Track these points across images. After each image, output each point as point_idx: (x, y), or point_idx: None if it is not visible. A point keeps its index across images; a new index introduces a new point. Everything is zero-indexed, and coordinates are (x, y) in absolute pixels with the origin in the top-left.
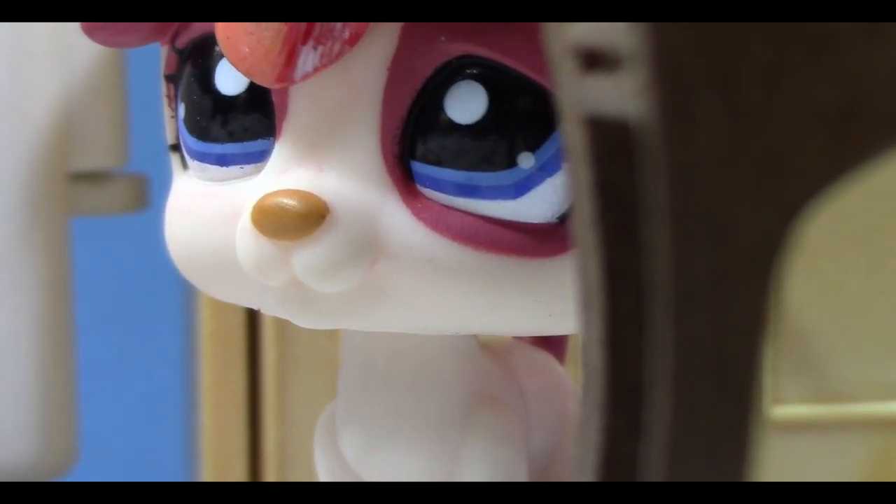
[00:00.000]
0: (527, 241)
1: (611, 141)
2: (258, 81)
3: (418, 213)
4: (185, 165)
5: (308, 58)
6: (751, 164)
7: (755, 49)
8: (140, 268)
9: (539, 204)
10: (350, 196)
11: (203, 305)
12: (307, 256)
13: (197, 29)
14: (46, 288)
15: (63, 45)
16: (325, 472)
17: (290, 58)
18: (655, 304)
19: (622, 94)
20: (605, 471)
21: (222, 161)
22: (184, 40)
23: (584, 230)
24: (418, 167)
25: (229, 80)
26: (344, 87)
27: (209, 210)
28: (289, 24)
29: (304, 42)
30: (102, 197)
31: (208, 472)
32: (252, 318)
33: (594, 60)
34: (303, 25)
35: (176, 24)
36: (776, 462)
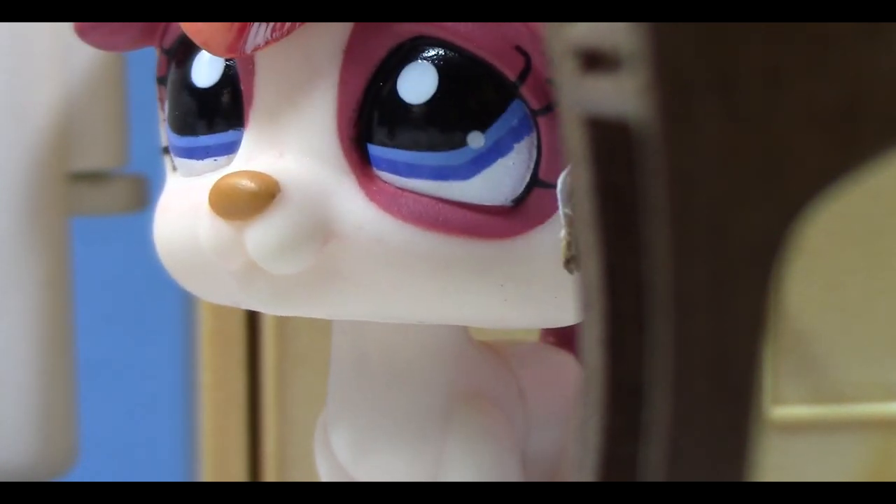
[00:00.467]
0: (479, 223)
1: (611, 141)
2: (211, 52)
3: (372, 195)
4: (174, 166)
5: (259, 31)
6: (751, 165)
7: (755, 49)
8: (140, 268)
9: (491, 185)
10: (304, 177)
11: (203, 305)
12: (258, 235)
13: (180, 27)
14: (46, 288)
15: (63, 45)
16: (323, 473)
17: (242, 29)
18: (655, 305)
19: (622, 95)
20: (605, 471)
21: (199, 154)
22: (169, 40)
23: (585, 230)
24: (374, 150)
25: (204, 72)
26: (302, 70)
27: (183, 203)
28: None
29: None
30: (102, 197)
31: (208, 472)
32: (252, 318)
33: (594, 60)
34: None
35: (163, 25)
36: (776, 462)
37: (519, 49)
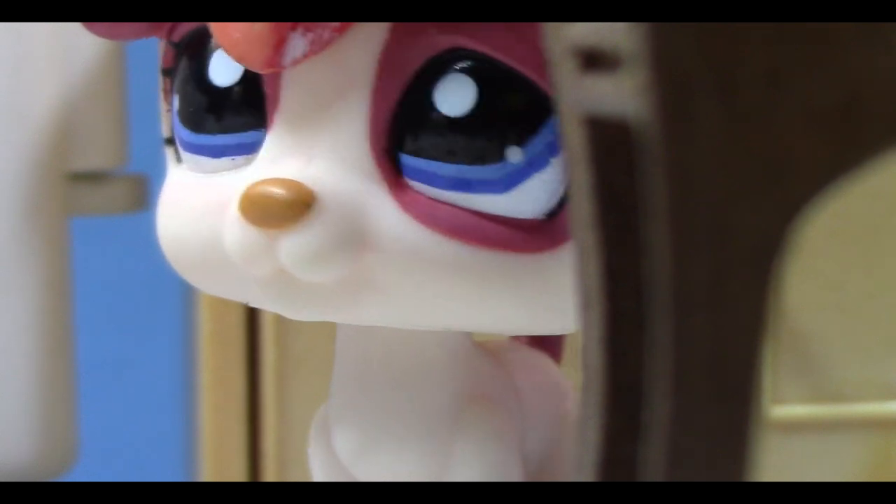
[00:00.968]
0: (514, 237)
1: (611, 141)
2: (248, 66)
3: (406, 206)
4: (178, 159)
5: (298, 44)
6: (750, 165)
7: (755, 49)
8: (140, 268)
9: (527, 199)
10: (337, 186)
11: (203, 306)
12: (293, 245)
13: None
14: (46, 288)
15: (63, 45)
16: (319, 471)
17: (280, 43)
18: (655, 305)
19: (622, 95)
20: (605, 471)
21: (214, 152)
22: (180, 33)
23: (584, 231)
24: (407, 160)
25: (222, 71)
26: (335, 78)
27: (198, 200)
28: None
29: (294, 28)
30: (102, 197)
31: (208, 472)
32: (252, 318)
33: (594, 60)
34: None
35: None
36: (776, 462)
37: None
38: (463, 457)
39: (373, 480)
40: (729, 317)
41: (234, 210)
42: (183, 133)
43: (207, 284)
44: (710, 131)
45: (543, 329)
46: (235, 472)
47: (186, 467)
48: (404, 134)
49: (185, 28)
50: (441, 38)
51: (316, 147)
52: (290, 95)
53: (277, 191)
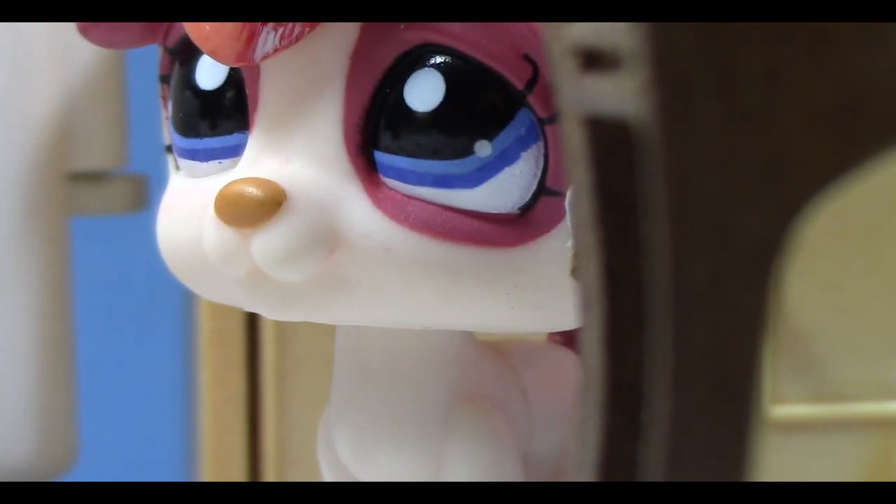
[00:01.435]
0: (486, 231)
1: (610, 141)
2: (220, 61)
3: (378, 203)
4: (177, 166)
5: (268, 38)
6: (750, 165)
7: (755, 49)
8: (140, 268)
9: (498, 194)
10: (310, 184)
11: (203, 306)
12: (265, 243)
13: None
14: (46, 288)
15: (63, 45)
16: (326, 472)
17: (250, 38)
18: (655, 305)
19: (622, 95)
20: (605, 471)
21: (203, 156)
22: (173, 39)
23: (584, 231)
24: (380, 157)
25: (208, 74)
26: (308, 77)
27: (186, 204)
28: None
29: (264, 23)
30: (102, 197)
31: (208, 472)
32: (252, 319)
33: (594, 60)
34: None
35: (166, 23)
36: (776, 462)
37: (526, 58)
38: (454, 457)
39: (372, 480)
40: (729, 317)
41: (210, 211)
42: (176, 138)
43: (199, 287)
44: (710, 131)
45: (534, 326)
46: (235, 472)
47: (186, 467)
48: (378, 131)
49: (178, 33)
50: (411, 33)
51: (293, 146)
52: (267, 96)
53: (250, 190)
